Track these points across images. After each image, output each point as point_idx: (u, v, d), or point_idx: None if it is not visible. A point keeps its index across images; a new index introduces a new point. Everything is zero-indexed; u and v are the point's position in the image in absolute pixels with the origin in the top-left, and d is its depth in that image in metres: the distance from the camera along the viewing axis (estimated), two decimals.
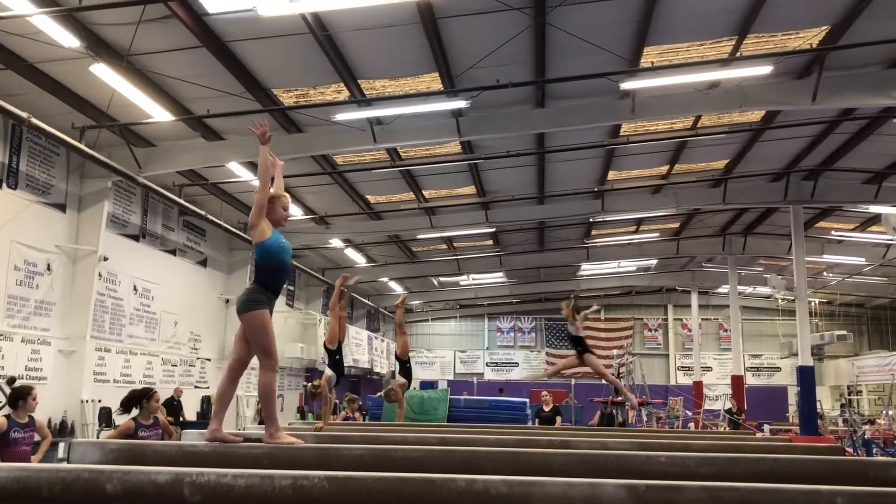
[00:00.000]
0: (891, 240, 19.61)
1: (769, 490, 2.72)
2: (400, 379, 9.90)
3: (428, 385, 25.43)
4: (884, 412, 21.98)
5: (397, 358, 10.12)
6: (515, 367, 33.83)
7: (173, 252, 16.73)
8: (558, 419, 12.98)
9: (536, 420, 13.13)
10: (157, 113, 11.48)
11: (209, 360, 18.41)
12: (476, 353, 34.48)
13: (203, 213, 15.87)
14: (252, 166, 14.71)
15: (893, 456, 12.95)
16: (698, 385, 27.59)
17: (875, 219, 18.05)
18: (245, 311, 4.43)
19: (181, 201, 15.00)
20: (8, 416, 6.43)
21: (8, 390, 6.96)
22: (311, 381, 8.65)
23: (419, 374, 33.38)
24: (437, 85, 11.62)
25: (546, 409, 13.28)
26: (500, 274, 28.29)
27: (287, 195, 4.87)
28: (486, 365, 34.21)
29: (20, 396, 6.53)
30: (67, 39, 9.30)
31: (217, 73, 10.90)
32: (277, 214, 4.66)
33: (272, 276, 4.52)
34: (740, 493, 2.70)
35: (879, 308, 31.60)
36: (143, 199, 15.37)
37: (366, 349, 26.01)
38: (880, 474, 3.64)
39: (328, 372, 8.19)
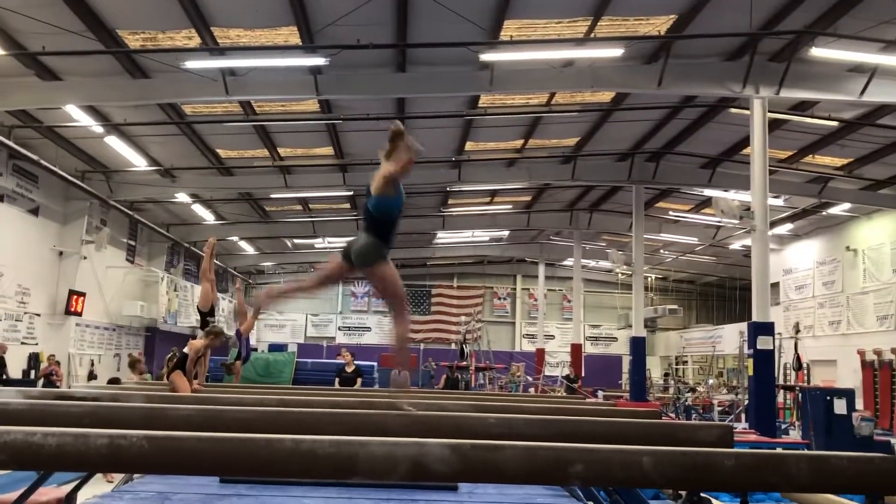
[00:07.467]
0: (720, 222, 21.07)
1: (584, 449, 2.86)
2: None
3: (277, 348, 25.03)
4: (704, 381, 23.81)
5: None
6: (368, 331, 33.90)
7: (0, 198, 15.42)
8: (359, 380, 12.56)
9: (337, 380, 12.60)
10: None
11: (38, 315, 17.21)
12: (328, 317, 34.22)
13: (36, 157, 14.70)
14: (92, 110, 13.77)
15: (709, 420, 14.11)
16: (540, 352, 28.74)
17: (708, 201, 19.27)
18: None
19: (10, 143, 13.82)
20: None
21: None
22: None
23: (268, 336, 32.77)
24: (295, 39, 11.27)
25: (348, 369, 12.87)
26: None
27: None
28: (339, 329, 34.07)
29: None
30: None
31: (55, 7, 10.07)
32: None
33: None
34: (556, 452, 2.82)
35: (707, 285, 33.94)
36: None
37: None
38: (689, 436, 3.91)
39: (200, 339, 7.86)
